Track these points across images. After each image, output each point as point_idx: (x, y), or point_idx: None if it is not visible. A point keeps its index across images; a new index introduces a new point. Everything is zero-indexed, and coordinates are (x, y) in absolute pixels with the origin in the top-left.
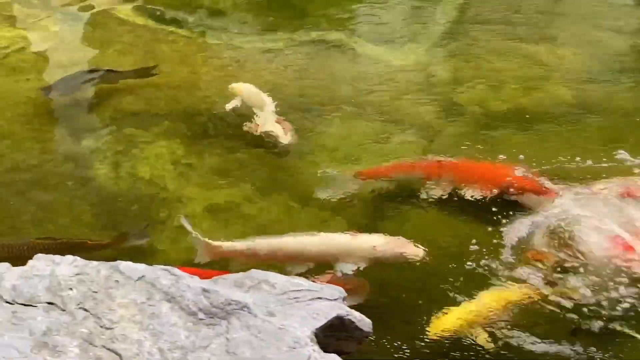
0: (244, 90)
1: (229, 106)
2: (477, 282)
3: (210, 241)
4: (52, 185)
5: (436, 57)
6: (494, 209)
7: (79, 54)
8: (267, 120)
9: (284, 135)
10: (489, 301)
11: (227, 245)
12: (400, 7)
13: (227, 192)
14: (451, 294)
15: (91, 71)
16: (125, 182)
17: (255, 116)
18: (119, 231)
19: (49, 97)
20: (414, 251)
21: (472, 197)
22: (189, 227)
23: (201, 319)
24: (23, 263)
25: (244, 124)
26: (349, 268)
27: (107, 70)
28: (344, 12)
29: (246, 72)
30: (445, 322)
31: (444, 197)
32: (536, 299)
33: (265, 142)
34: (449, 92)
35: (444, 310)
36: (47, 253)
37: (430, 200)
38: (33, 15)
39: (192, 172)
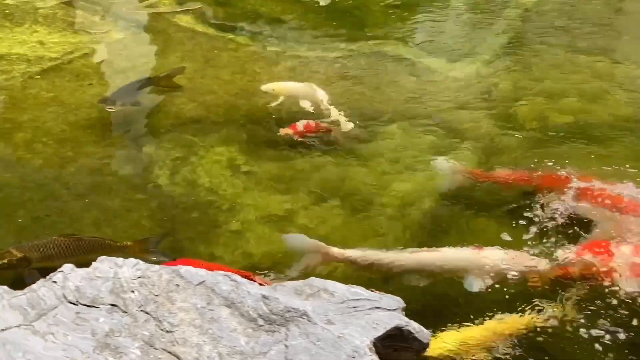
0: (286, 88)
1: (274, 105)
2: None
3: (324, 245)
4: (112, 189)
5: (496, 69)
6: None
7: (141, 60)
8: (329, 110)
9: (346, 123)
10: (490, 327)
11: (348, 252)
12: (460, 19)
13: (284, 199)
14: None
15: (141, 80)
16: (183, 188)
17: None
18: (176, 237)
19: (108, 109)
20: (539, 265)
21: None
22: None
23: (261, 325)
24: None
25: (279, 129)
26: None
27: (148, 78)
28: (403, 23)
29: (306, 80)
30: (441, 344)
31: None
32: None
33: (323, 150)
34: (508, 104)
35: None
36: (69, 252)
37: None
38: (96, 22)
39: (249, 179)
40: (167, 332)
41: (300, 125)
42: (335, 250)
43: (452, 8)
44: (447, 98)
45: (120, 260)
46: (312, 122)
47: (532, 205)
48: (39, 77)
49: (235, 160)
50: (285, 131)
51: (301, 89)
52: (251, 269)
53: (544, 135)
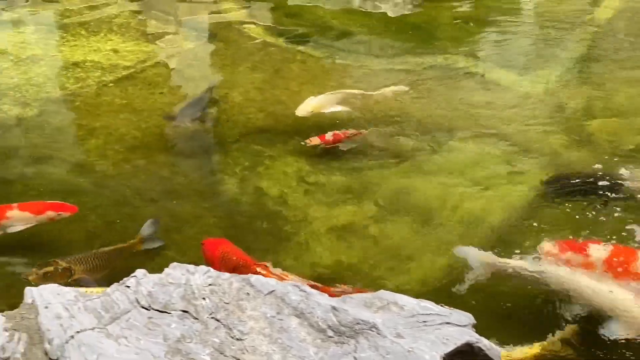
0: (320, 104)
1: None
2: None
3: (495, 257)
4: (182, 196)
5: (567, 85)
6: None
7: (211, 70)
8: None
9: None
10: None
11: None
12: (532, 34)
13: (352, 211)
14: None
15: (203, 97)
16: (251, 197)
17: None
18: (245, 245)
19: (174, 126)
20: None
21: None
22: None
23: (330, 337)
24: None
25: (303, 142)
26: None
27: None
28: (473, 37)
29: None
30: None
31: None
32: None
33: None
34: (579, 121)
35: None
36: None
37: None
38: (169, 31)
39: (317, 190)
40: (237, 339)
41: (329, 135)
42: (502, 261)
43: (523, 23)
44: (516, 113)
45: (192, 267)
46: (339, 132)
47: None
48: (112, 84)
49: (302, 171)
50: (313, 141)
51: (333, 98)
52: (318, 280)
53: (614, 154)
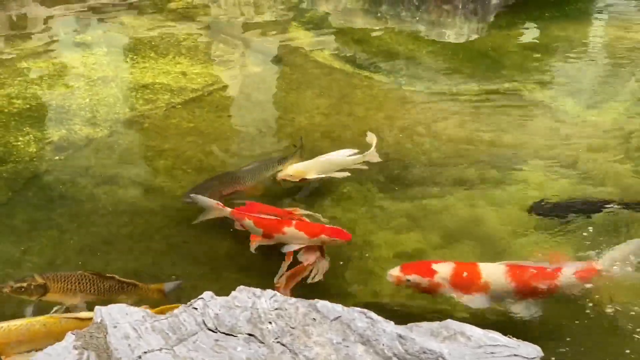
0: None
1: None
2: None
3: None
4: None
5: (636, 116)
6: None
7: (277, 94)
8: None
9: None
10: None
11: None
12: (600, 64)
13: (416, 238)
14: None
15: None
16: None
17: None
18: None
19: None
20: None
21: None
22: None
23: None
24: None
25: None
26: None
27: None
28: (540, 65)
29: (439, 119)
30: None
31: None
32: None
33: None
34: None
35: None
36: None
37: None
38: (236, 55)
39: (382, 215)
40: None
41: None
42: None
43: (591, 52)
44: (584, 143)
45: (258, 290)
46: None
47: None
48: (180, 107)
49: (368, 197)
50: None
51: (319, 166)
52: (381, 307)
53: None
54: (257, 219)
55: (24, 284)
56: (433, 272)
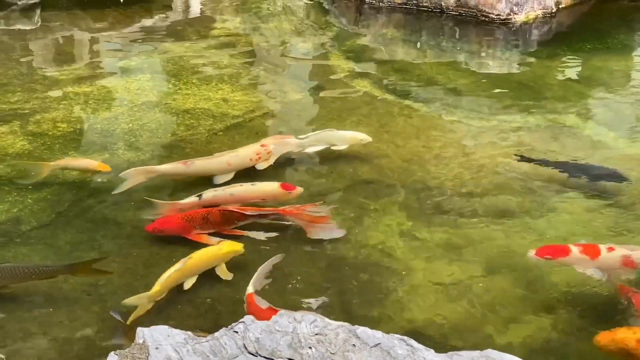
0: None
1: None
2: None
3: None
4: (285, 239)
5: None
6: None
7: (317, 122)
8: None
9: None
10: None
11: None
12: None
13: (454, 268)
14: None
15: None
16: (353, 249)
17: None
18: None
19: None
20: None
21: None
22: None
23: None
24: None
25: None
26: None
27: None
28: (582, 97)
29: (479, 149)
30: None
31: None
32: None
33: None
34: None
35: None
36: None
37: None
38: (277, 83)
39: (419, 244)
40: None
41: None
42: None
43: (633, 86)
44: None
45: (298, 315)
46: None
47: None
48: (221, 133)
49: (406, 225)
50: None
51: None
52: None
53: None
54: None
55: None
56: None
